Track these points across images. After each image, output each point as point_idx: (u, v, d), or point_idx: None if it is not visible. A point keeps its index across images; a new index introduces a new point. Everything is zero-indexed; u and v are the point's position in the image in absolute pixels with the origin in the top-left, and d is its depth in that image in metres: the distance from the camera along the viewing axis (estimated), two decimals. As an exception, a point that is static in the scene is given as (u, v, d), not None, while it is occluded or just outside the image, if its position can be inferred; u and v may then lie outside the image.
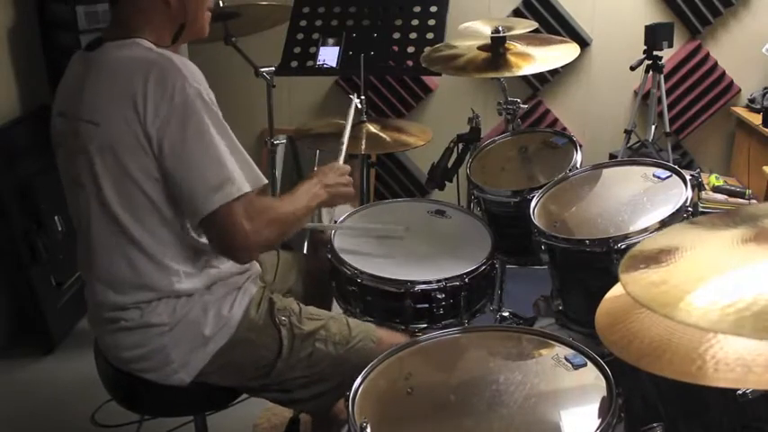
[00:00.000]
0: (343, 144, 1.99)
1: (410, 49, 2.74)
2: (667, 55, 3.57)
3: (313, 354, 1.68)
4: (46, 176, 2.94)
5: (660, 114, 3.48)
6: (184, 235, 1.57)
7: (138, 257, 1.55)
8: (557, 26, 3.69)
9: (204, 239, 1.60)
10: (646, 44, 3.39)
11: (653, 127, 3.50)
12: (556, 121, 3.88)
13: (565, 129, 3.74)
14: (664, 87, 3.44)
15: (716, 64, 3.73)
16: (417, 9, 2.81)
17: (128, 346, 1.61)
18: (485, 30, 2.38)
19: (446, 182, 2.46)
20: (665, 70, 3.45)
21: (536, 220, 1.91)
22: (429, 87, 3.91)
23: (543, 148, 2.28)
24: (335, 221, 2.08)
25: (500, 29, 2.33)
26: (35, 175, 2.96)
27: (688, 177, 1.84)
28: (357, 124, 2.44)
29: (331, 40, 2.81)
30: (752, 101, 3.66)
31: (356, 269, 1.85)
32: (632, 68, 3.41)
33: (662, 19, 3.61)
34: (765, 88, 3.63)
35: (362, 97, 2.49)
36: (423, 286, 1.81)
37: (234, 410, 2.03)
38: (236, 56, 2.76)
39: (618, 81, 3.75)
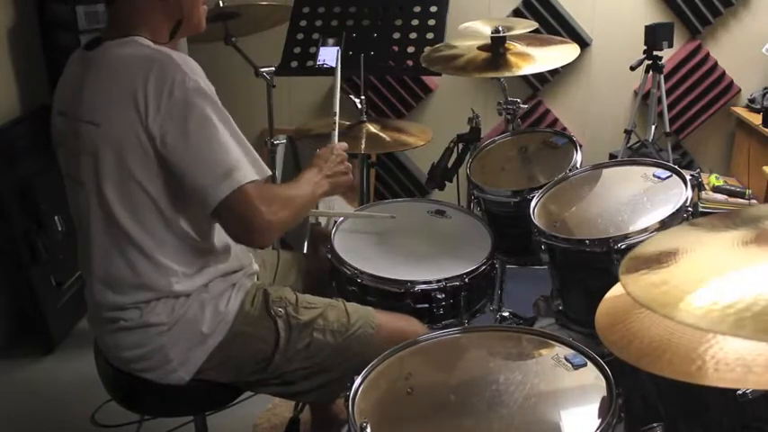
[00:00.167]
0: (335, 114, 1.96)
1: (410, 49, 2.74)
2: (667, 55, 3.57)
3: (311, 344, 1.67)
4: (46, 176, 2.94)
5: (660, 114, 3.48)
6: (184, 235, 1.57)
7: (137, 258, 1.55)
8: (557, 26, 3.69)
9: (204, 240, 1.60)
10: (646, 44, 3.39)
11: (653, 127, 3.50)
12: (556, 121, 3.88)
13: (565, 129, 3.74)
14: (664, 87, 3.44)
15: (716, 64, 3.73)
16: (417, 9, 2.80)
17: (127, 346, 1.61)
18: (485, 30, 2.38)
19: (446, 182, 2.45)
20: (665, 70, 3.45)
21: (536, 220, 1.91)
22: (429, 87, 3.91)
23: (543, 148, 2.29)
24: (335, 221, 2.08)
25: (500, 29, 2.33)
26: (35, 175, 2.96)
27: (688, 177, 1.84)
28: (357, 124, 2.44)
29: (331, 40, 2.81)
30: (752, 101, 3.66)
31: (356, 269, 1.85)
32: (632, 68, 3.41)
33: (662, 19, 3.61)
34: (765, 88, 3.63)
35: (362, 97, 2.49)
36: (423, 286, 1.81)
37: (234, 410, 2.03)
38: (236, 56, 2.76)
39: (618, 81, 3.75)
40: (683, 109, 3.79)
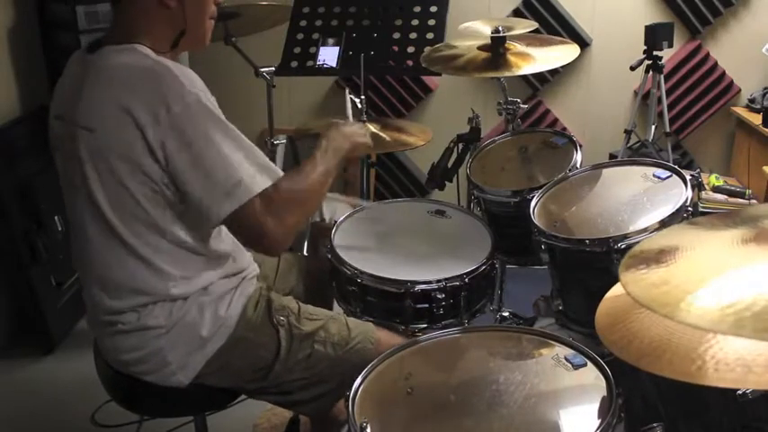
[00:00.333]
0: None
1: (410, 49, 2.74)
2: (667, 55, 3.57)
3: (312, 355, 1.67)
4: (46, 176, 2.94)
5: (660, 114, 3.48)
6: (180, 242, 1.55)
7: (133, 262, 1.54)
8: (557, 26, 3.69)
9: (202, 245, 1.59)
10: (646, 44, 3.39)
11: (653, 127, 3.50)
12: (556, 121, 3.88)
13: (565, 129, 3.74)
14: (664, 87, 3.45)
15: (716, 64, 3.73)
16: (417, 9, 2.81)
17: (126, 349, 1.61)
18: (485, 30, 2.38)
19: (446, 182, 2.45)
20: (665, 70, 3.45)
21: (536, 220, 1.91)
22: (429, 87, 3.91)
23: (543, 148, 2.28)
24: (335, 222, 2.08)
25: (500, 29, 2.33)
26: (35, 175, 2.96)
27: (688, 177, 1.84)
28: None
29: (331, 40, 2.81)
30: (752, 101, 3.66)
31: (356, 269, 1.85)
32: (632, 68, 3.41)
33: (662, 19, 3.61)
34: (765, 88, 3.63)
35: (362, 97, 2.48)
36: (423, 286, 1.81)
37: (234, 410, 2.03)
38: (236, 56, 2.76)
39: (618, 81, 3.75)
40: (683, 109, 3.79)
